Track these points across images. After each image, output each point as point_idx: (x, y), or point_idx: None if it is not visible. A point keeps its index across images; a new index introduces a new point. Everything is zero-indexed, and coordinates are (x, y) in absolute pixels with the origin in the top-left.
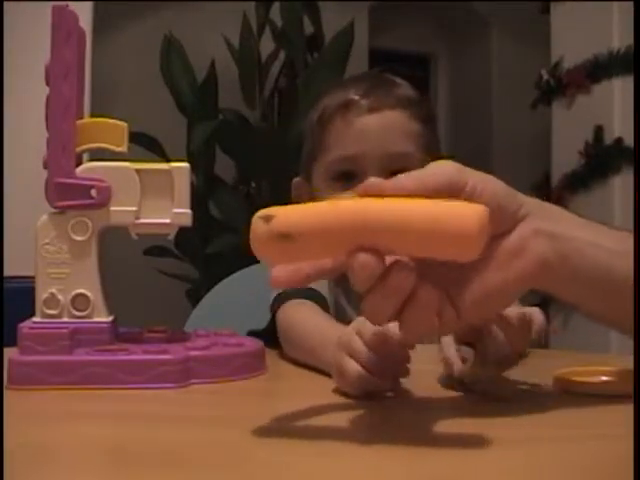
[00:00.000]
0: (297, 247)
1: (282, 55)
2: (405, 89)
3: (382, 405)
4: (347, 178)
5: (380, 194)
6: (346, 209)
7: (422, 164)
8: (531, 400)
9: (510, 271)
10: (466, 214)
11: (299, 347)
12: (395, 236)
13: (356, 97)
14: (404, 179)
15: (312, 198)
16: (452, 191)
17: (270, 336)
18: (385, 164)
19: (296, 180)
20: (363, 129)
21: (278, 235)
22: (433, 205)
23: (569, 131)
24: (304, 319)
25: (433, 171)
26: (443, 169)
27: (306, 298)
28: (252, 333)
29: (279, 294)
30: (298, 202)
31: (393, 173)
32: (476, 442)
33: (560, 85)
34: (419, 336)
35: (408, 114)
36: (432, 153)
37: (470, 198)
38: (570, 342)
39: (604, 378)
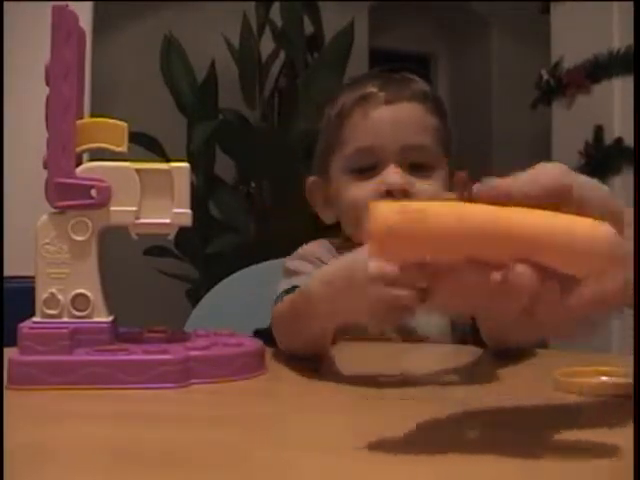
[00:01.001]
0: (425, 229)
1: (282, 55)
2: (421, 84)
3: (383, 405)
4: (365, 170)
5: (494, 196)
6: (483, 212)
7: (438, 157)
8: (531, 400)
9: (620, 277)
10: (603, 233)
11: (291, 321)
12: (531, 250)
13: (374, 90)
14: (518, 180)
15: (327, 196)
16: (560, 195)
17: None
18: (403, 156)
19: (310, 179)
20: (380, 120)
21: (412, 210)
22: (571, 222)
23: (569, 131)
24: (291, 296)
25: (541, 173)
26: (550, 172)
27: None
28: (258, 332)
29: (281, 292)
30: (311, 201)
31: (411, 165)
32: (477, 442)
33: (560, 85)
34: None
35: (424, 108)
36: (446, 149)
37: (580, 204)
38: (570, 342)
39: (604, 378)
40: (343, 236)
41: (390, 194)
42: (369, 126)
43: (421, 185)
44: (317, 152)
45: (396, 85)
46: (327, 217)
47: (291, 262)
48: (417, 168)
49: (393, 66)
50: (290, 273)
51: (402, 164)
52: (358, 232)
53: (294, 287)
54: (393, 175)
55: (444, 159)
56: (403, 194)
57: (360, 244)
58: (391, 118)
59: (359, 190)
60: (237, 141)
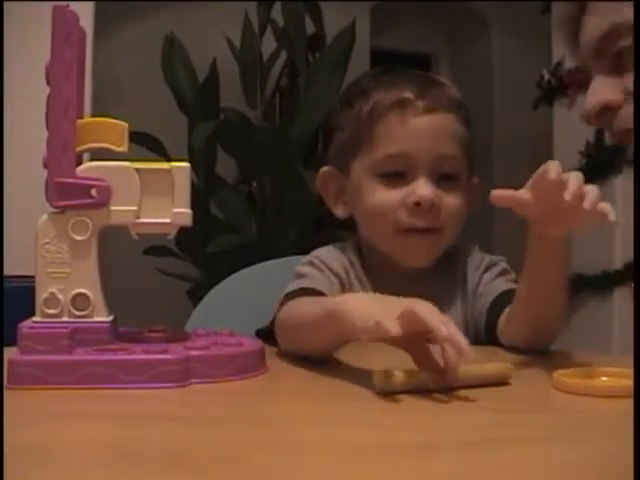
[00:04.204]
0: None
1: (284, 55)
2: (454, 91)
3: (383, 406)
4: (393, 177)
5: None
6: None
7: (465, 168)
8: (531, 400)
9: None
10: None
11: (298, 329)
12: None
13: (411, 96)
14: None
15: (341, 189)
16: None
17: (274, 333)
18: (435, 165)
19: (324, 170)
20: (417, 129)
21: None
22: None
23: (570, 131)
24: (303, 302)
25: None
26: None
27: None
28: (259, 331)
29: (287, 293)
30: (324, 192)
31: (441, 175)
32: (479, 442)
33: (561, 85)
34: None
35: (457, 117)
36: (471, 156)
37: None
38: (570, 342)
39: (604, 378)
40: (357, 236)
41: (418, 205)
42: (405, 134)
43: (447, 198)
44: (336, 143)
45: (433, 92)
46: (339, 211)
47: (301, 267)
48: (444, 179)
49: (387, 66)
50: (298, 277)
51: (432, 174)
52: (380, 237)
53: (300, 289)
54: (424, 188)
55: (467, 169)
56: (431, 207)
57: (378, 248)
58: (427, 127)
59: (386, 197)
60: (238, 140)
